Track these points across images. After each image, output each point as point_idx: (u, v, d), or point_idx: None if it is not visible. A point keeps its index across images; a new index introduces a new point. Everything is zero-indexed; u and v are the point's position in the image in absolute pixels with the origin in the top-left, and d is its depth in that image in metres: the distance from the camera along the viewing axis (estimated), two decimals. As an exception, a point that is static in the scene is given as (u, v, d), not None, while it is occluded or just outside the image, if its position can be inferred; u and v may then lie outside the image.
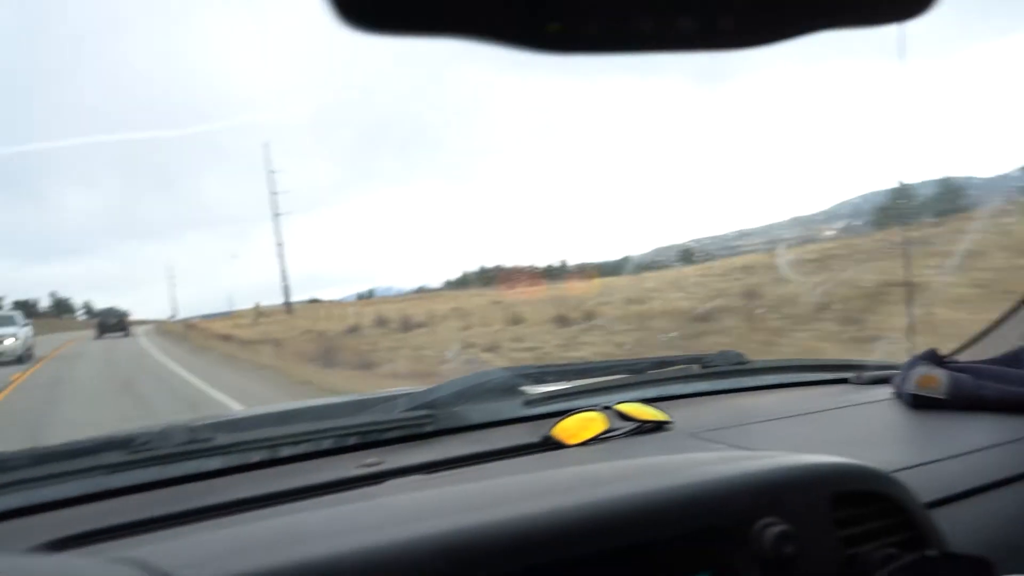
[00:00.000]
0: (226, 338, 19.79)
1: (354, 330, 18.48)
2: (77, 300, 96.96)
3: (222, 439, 1.13)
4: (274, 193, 38.34)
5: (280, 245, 37.84)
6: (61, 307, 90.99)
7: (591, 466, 0.90)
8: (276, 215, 38.01)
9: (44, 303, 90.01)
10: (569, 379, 1.49)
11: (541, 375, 1.47)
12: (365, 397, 1.40)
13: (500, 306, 19.16)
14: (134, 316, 43.37)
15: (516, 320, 13.61)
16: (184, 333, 27.42)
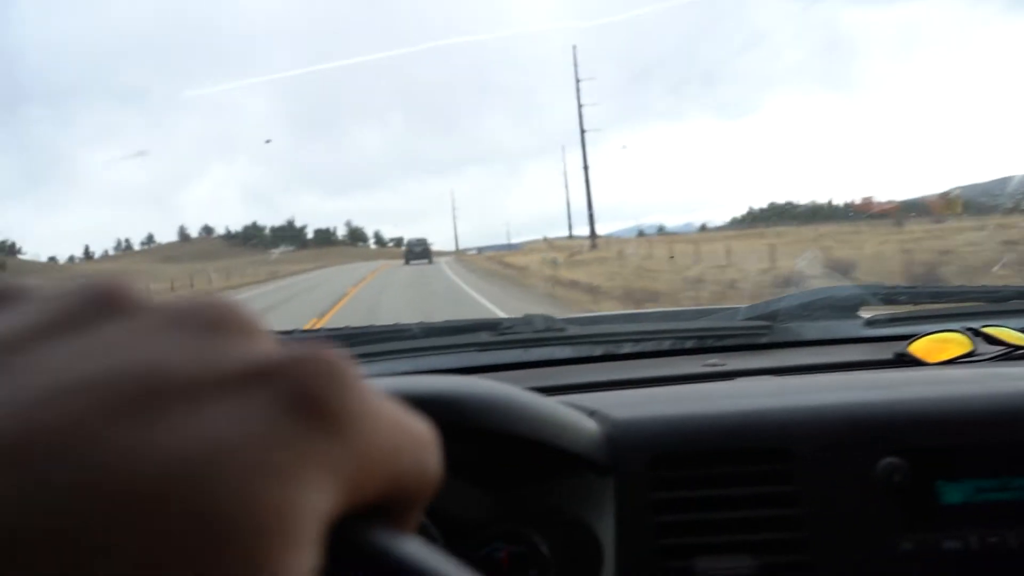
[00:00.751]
0: (588, 289, 14.49)
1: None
2: (368, 230, 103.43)
3: (573, 330, 1.24)
4: (581, 105, 33.42)
5: (586, 168, 32.94)
6: (355, 236, 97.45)
7: (981, 370, 0.89)
8: (583, 132, 33.13)
9: (341, 232, 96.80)
10: (919, 302, 1.44)
11: (890, 295, 1.42)
12: (706, 308, 1.48)
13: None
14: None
15: None
16: (505, 273, 23.33)
